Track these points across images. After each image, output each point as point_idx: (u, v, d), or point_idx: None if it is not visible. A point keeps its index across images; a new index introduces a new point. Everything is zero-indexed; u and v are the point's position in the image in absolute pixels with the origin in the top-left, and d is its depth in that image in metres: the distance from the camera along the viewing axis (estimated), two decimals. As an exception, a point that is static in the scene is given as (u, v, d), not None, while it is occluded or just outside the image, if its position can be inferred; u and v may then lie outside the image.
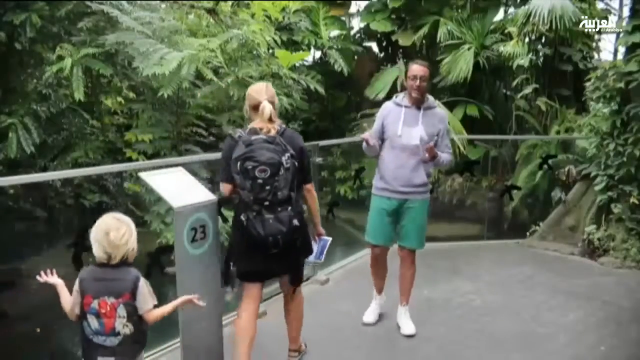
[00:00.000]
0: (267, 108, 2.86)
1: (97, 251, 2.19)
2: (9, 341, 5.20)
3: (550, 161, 6.52)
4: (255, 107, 2.91)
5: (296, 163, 2.81)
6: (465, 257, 5.57)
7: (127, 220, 2.26)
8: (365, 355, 3.45)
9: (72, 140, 7.54)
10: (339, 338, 3.72)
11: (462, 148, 8.15)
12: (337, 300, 4.36)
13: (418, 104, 3.60)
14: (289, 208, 2.78)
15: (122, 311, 2.18)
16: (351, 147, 9.45)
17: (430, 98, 3.68)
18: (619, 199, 5.62)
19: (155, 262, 3.43)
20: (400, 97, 3.70)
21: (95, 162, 7.05)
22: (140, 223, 6.39)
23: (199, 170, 5.98)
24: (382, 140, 3.65)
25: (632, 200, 5.47)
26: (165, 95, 6.06)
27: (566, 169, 6.73)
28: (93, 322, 2.17)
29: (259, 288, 3.02)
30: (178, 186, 3.01)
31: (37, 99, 6.93)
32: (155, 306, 2.27)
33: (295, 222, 2.80)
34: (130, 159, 6.71)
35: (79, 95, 6.13)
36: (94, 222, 2.24)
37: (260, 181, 2.70)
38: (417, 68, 3.55)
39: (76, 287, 2.21)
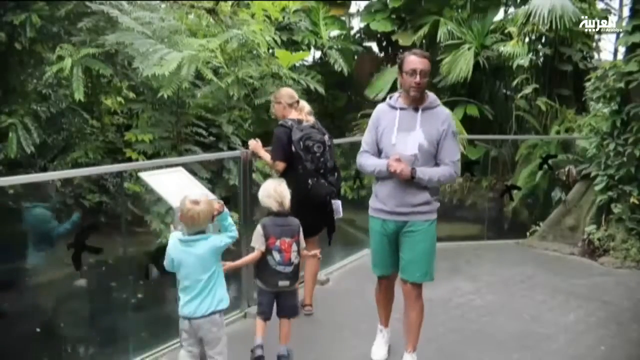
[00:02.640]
0: (307, 105, 3.93)
1: (272, 204, 3.10)
2: (9, 341, 5.20)
3: (550, 161, 6.52)
4: (291, 105, 3.86)
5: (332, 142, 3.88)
6: (465, 257, 5.57)
7: (281, 179, 3.29)
8: (364, 355, 3.45)
9: (72, 140, 7.51)
10: (338, 338, 3.73)
11: (462, 148, 8.15)
12: (337, 300, 4.37)
13: (416, 104, 3.00)
14: (335, 174, 3.87)
15: (294, 247, 3.11)
16: (351, 147, 9.43)
17: (432, 96, 3.06)
18: (619, 199, 5.61)
19: (155, 262, 3.46)
20: (395, 98, 3.08)
21: (95, 162, 7.02)
22: (140, 223, 6.38)
23: (199, 170, 5.98)
24: (379, 151, 3.08)
25: (632, 200, 5.47)
26: (165, 96, 6.05)
27: (566, 169, 6.73)
28: (276, 255, 3.06)
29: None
30: (178, 186, 3.03)
31: (37, 99, 6.91)
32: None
33: (341, 184, 3.95)
34: (130, 159, 6.67)
35: (79, 95, 6.11)
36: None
37: (317, 154, 3.70)
38: (416, 60, 2.89)
39: (260, 232, 3.07)
